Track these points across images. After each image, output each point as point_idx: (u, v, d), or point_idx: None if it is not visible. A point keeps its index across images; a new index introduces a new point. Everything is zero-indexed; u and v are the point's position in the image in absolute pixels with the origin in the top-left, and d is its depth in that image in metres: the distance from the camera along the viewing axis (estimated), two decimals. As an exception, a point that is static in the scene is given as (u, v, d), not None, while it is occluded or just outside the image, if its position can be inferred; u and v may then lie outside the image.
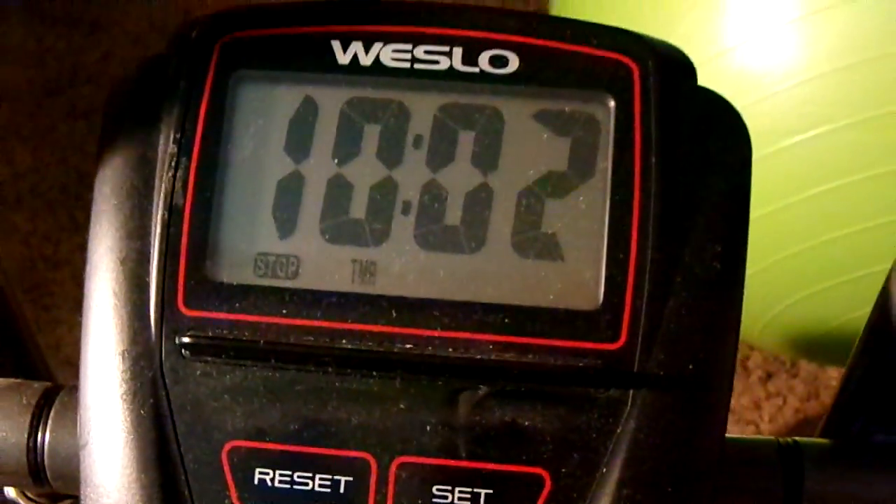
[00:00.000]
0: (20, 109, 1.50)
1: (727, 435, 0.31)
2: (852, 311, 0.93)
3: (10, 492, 0.43)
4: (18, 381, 0.35)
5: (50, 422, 0.34)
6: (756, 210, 0.85)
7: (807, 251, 0.92)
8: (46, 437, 0.34)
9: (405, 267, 0.28)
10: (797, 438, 0.33)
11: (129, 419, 0.28)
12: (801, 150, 0.86)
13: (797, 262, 0.93)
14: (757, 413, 1.27)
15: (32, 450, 0.34)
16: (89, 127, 1.48)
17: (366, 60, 0.29)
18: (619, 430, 0.27)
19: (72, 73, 1.55)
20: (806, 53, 0.85)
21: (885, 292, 0.33)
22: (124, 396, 0.28)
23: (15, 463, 0.34)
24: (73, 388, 0.35)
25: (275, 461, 0.28)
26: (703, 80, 0.30)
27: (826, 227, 0.90)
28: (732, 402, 0.31)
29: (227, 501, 0.28)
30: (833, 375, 1.25)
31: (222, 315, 0.28)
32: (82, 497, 0.29)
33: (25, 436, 0.34)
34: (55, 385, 0.35)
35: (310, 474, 0.27)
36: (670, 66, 0.29)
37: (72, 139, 1.47)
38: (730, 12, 0.87)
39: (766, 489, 0.31)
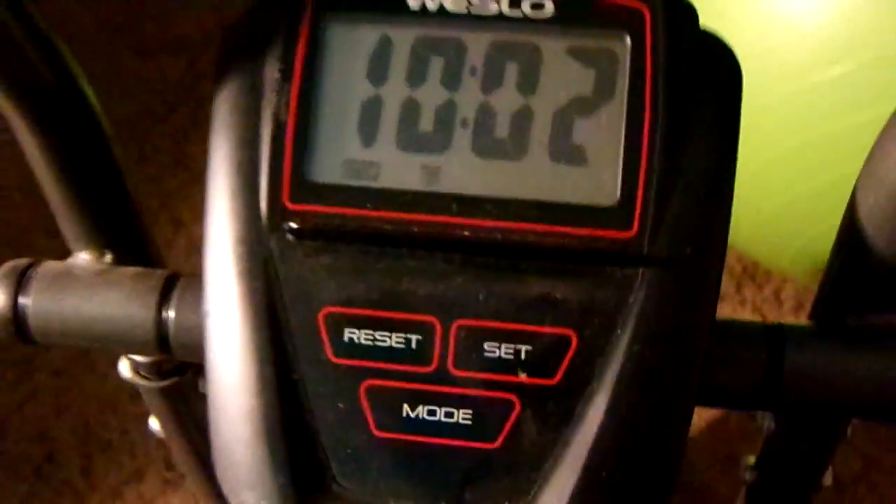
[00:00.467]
0: (87, 48, 1.57)
1: (723, 318, 0.38)
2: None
3: (125, 370, 0.51)
4: (145, 269, 0.43)
5: (174, 300, 0.41)
6: (786, 142, 0.91)
7: (834, 182, 0.98)
8: (171, 312, 0.41)
9: (463, 170, 0.35)
10: (782, 322, 0.40)
11: (245, 291, 0.36)
12: (836, 83, 0.92)
13: (825, 193, 0.99)
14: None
15: (159, 323, 0.41)
16: (156, 64, 1.55)
17: (432, 6, 0.36)
18: (631, 300, 0.35)
19: (137, 12, 1.63)
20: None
21: (855, 191, 0.39)
22: (242, 273, 0.36)
23: (144, 335, 0.42)
24: (191, 276, 0.43)
25: (360, 322, 0.35)
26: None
27: (854, 160, 0.96)
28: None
29: (322, 355, 0.35)
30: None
31: (319, 208, 0.35)
32: (206, 358, 0.37)
33: (154, 312, 0.41)
34: (176, 272, 0.43)
35: (388, 333, 0.35)
36: (676, 10, 0.36)
37: (140, 76, 1.54)
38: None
39: (751, 360, 0.39)
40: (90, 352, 1.25)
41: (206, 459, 0.49)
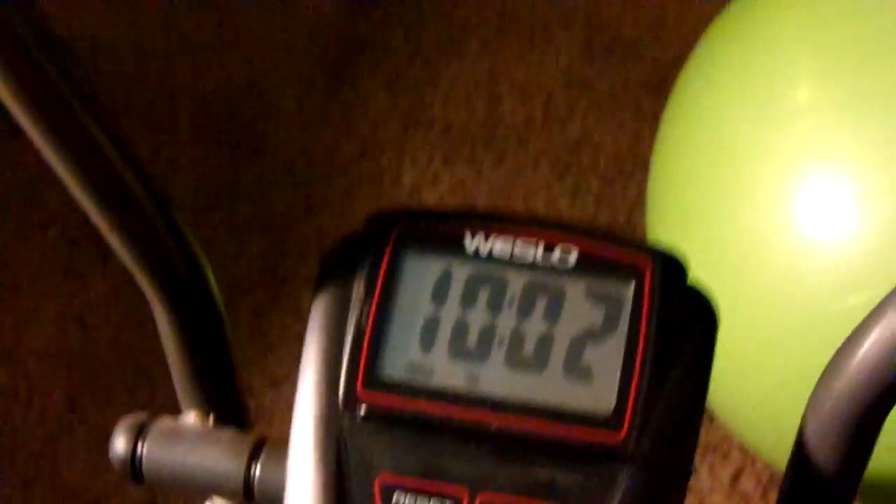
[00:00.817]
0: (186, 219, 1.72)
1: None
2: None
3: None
4: (240, 431, 0.54)
5: (261, 458, 0.52)
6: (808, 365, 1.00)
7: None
8: (258, 469, 0.52)
9: (496, 377, 0.46)
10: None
11: (320, 456, 0.46)
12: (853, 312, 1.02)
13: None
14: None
15: (247, 477, 0.52)
16: (244, 240, 1.69)
17: (483, 250, 0.48)
18: (617, 488, 0.45)
19: (233, 188, 1.78)
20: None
21: (805, 412, 0.49)
22: (318, 442, 0.47)
23: (234, 485, 0.52)
24: (276, 440, 0.53)
25: (407, 488, 0.45)
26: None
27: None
28: None
29: None
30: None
31: (384, 397, 0.46)
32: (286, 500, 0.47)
33: (244, 468, 0.52)
34: (264, 436, 0.54)
35: (427, 498, 0.45)
36: (670, 267, 0.47)
37: (226, 251, 1.68)
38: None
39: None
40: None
41: None
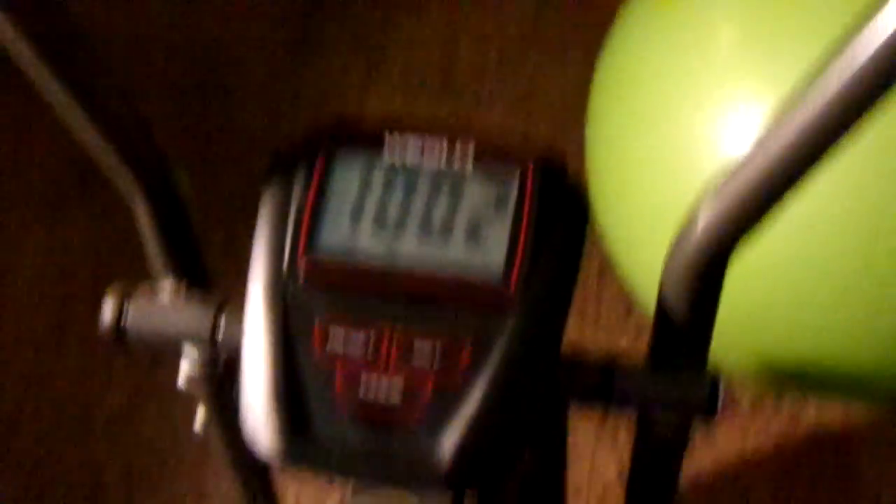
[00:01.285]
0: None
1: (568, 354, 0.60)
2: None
3: (184, 366, 0.72)
4: (207, 292, 0.66)
5: (224, 313, 0.64)
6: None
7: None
8: (222, 321, 0.64)
9: (411, 247, 0.58)
10: (617, 361, 0.61)
11: (269, 309, 0.58)
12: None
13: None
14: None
15: (213, 327, 0.64)
16: (215, 175, 1.80)
17: (401, 147, 0.59)
18: (504, 331, 0.56)
19: (203, 132, 1.88)
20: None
21: (666, 257, 0.60)
22: (268, 298, 0.58)
23: (204, 334, 0.64)
24: (235, 301, 0.65)
25: (340, 325, 0.57)
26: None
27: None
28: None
29: (313, 347, 0.57)
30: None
31: (320, 261, 0.58)
32: (242, 351, 0.59)
33: (211, 321, 0.64)
34: (226, 297, 0.65)
35: (355, 331, 0.57)
36: (551, 163, 0.59)
37: (200, 183, 1.78)
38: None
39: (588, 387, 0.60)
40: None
41: (236, 440, 0.71)
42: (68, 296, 1.68)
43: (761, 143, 0.51)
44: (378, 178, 0.60)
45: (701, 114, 1.19)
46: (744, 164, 0.52)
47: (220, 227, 1.69)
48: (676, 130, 1.22)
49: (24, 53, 0.55)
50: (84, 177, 1.74)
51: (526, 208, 0.58)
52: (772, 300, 1.16)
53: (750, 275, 1.17)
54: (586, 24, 1.94)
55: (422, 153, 0.59)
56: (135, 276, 0.69)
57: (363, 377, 0.57)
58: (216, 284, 0.73)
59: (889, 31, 0.42)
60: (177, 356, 0.70)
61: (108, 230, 1.70)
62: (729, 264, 0.57)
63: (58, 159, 1.79)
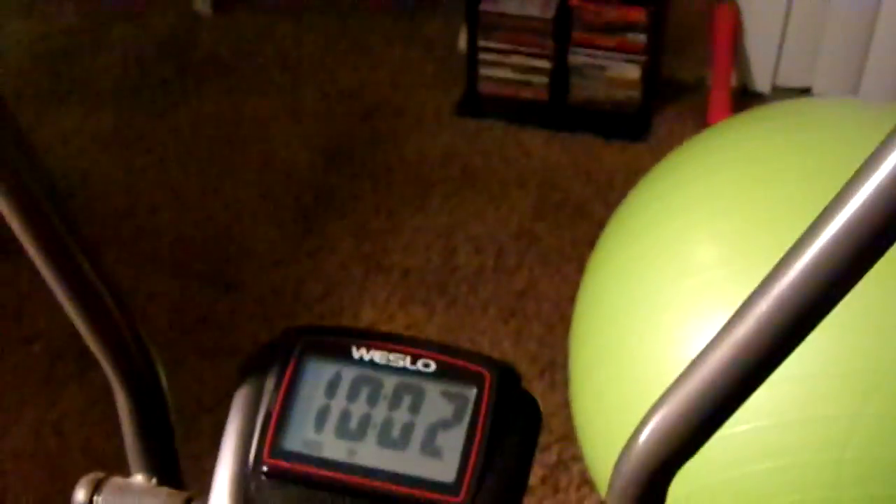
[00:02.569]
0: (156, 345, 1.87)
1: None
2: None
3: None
4: (176, 490, 0.69)
5: (188, 515, 0.67)
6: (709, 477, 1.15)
7: None
8: None
9: (370, 453, 0.61)
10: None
11: (232, 507, 0.61)
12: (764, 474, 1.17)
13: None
14: None
15: None
16: (212, 365, 1.84)
17: (366, 358, 0.64)
18: None
19: (204, 321, 1.94)
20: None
21: None
22: (232, 496, 0.61)
23: None
24: (202, 498, 0.68)
25: None
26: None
27: (756, 498, 1.19)
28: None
29: None
30: None
31: (284, 463, 0.61)
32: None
33: None
34: (193, 495, 0.68)
35: None
36: (505, 376, 0.63)
37: (194, 373, 1.83)
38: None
39: None
40: None
41: None
42: (57, 475, 1.70)
43: (696, 366, 0.54)
44: (343, 386, 0.63)
45: (675, 329, 1.24)
46: (678, 386, 0.55)
47: (212, 418, 1.73)
48: (650, 350, 1.27)
49: (11, 218, 0.60)
50: (84, 352, 1.78)
51: (480, 421, 0.62)
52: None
53: (717, 499, 1.20)
54: (582, 236, 2.01)
55: (386, 365, 0.64)
56: (123, 464, 0.73)
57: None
58: (199, 478, 0.76)
59: (815, 258, 0.47)
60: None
61: (103, 406, 1.73)
62: (671, 484, 0.60)
63: (59, 333, 1.83)
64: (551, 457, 1.66)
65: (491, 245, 2.04)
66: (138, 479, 0.71)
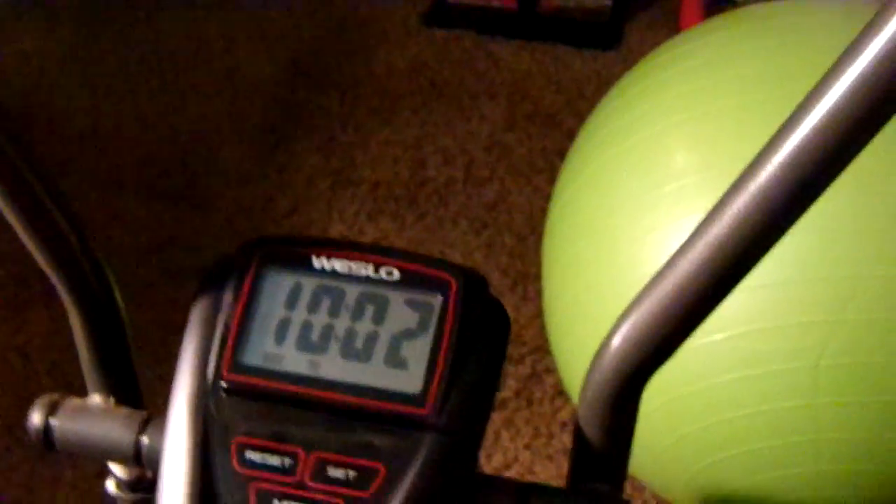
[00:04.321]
0: (124, 268, 1.85)
1: (485, 474, 0.61)
2: (758, 474, 1.20)
3: (110, 486, 0.73)
4: (134, 409, 0.67)
5: (148, 431, 0.65)
6: (676, 390, 1.15)
7: (715, 424, 1.20)
8: (145, 439, 0.64)
9: (333, 365, 0.59)
10: (535, 483, 0.62)
11: (190, 424, 0.59)
12: (717, 345, 1.16)
13: (706, 434, 1.21)
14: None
15: (137, 445, 0.64)
16: (179, 286, 1.81)
17: (327, 268, 0.61)
18: (422, 450, 0.57)
19: (171, 240, 1.90)
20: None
21: (582, 386, 0.61)
22: (190, 413, 0.59)
23: (128, 452, 0.65)
24: (160, 417, 0.65)
25: (256, 448, 0.58)
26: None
27: (730, 408, 1.19)
28: None
29: (230, 467, 0.58)
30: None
31: (243, 378, 0.59)
32: (161, 468, 0.59)
33: (135, 439, 0.65)
34: (151, 413, 0.66)
35: (271, 455, 0.58)
36: (472, 281, 0.60)
37: (163, 294, 1.80)
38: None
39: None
40: None
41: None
42: (24, 399, 1.67)
43: (667, 269, 0.52)
44: (304, 298, 0.61)
45: (652, 236, 1.22)
46: (650, 290, 0.53)
47: (180, 337, 1.70)
48: (625, 252, 1.24)
49: None
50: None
51: (446, 330, 0.59)
52: (714, 435, 1.18)
53: (693, 408, 1.19)
54: (553, 146, 1.98)
55: (348, 275, 0.61)
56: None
57: (277, 496, 0.57)
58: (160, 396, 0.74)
59: (788, 157, 0.45)
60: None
61: (68, 329, 1.70)
62: (643, 390, 0.58)
63: (22, 259, 1.79)
64: (525, 369, 1.65)
65: (461, 157, 2.01)
66: (95, 399, 0.69)
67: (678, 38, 1.49)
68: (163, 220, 1.93)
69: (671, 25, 2.33)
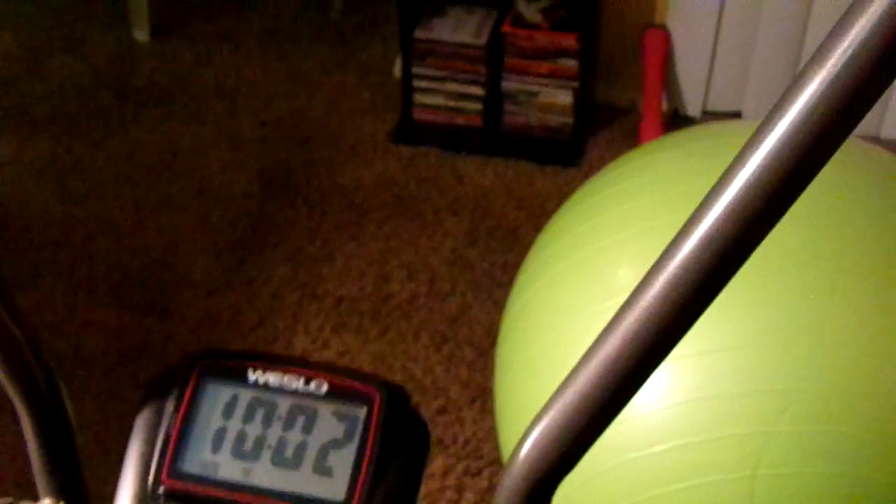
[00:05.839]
0: (93, 376, 1.88)
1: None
2: None
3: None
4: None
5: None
6: (624, 499, 1.17)
7: None
8: None
9: (264, 472, 0.63)
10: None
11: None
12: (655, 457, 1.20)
13: None
14: None
15: None
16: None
17: (261, 381, 0.66)
18: None
19: (140, 349, 1.94)
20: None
21: None
22: (132, 519, 0.63)
23: None
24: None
25: None
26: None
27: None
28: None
29: None
30: None
31: (180, 484, 0.63)
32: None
33: None
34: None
35: None
36: (394, 394, 0.65)
37: (132, 403, 1.83)
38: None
39: None
40: None
41: None
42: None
43: (569, 378, 0.56)
44: (240, 408, 0.65)
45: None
46: (555, 399, 0.58)
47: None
48: (572, 362, 1.29)
49: None
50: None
51: (370, 440, 0.64)
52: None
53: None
54: (514, 261, 2.04)
55: (280, 387, 0.66)
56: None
57: None
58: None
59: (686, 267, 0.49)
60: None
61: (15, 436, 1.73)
62: (553, 497, 0.62)
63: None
64: (482, 482, 1.68)
65: (424, 271, 2.07)
66: (46, 502, 0.73)
67: (630, 155, 1.56)
68: (132, 330, 1.97)
69: (631, 142, 2.41)
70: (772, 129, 0.46)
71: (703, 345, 1.16)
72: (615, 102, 2.55)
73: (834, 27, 0.45)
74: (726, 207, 0.48)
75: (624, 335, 0.53)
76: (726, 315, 1.16)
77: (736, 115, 2.51)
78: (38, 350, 0.70)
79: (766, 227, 0.48)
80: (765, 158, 0.47)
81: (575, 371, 0.57)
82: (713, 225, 0.48)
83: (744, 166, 0.48)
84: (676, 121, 2.50)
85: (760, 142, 0.47)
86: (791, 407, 1.18)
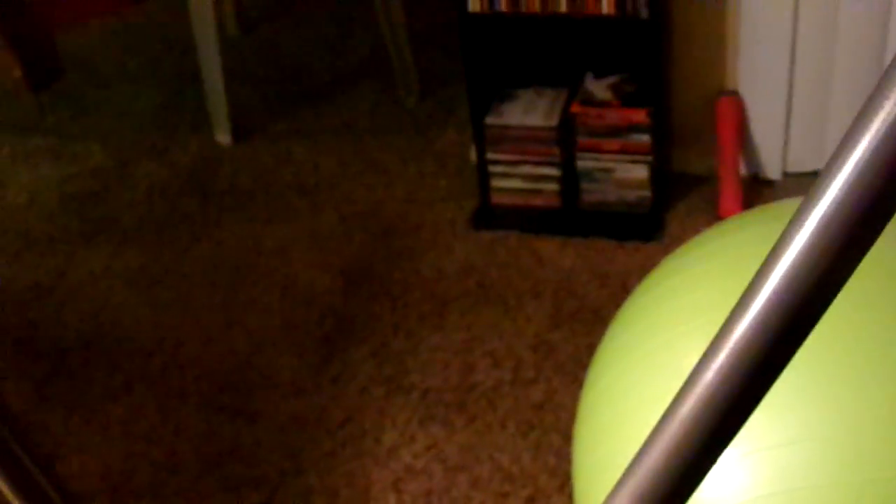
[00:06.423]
0: (185, 480, 1.91)
1: None
2: None
3: None
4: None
5: None
6: None
7: None
8: None
9: None
10: None
11: None
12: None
13: None
14: None
15: None
16: (237, 499, 1.87)
17: None
18: None
19: (230, 453, 1.97)
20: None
21: None
22: None
23: None
24: None
25: None
26: None
27: None
28: None
29: None
30: None
31: None
32: None
33: None
34: None
35: None
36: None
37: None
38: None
39: None
40: None
41: None
42: None
43: (633, 469, 0.56)
44: None
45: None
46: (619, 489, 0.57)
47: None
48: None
49: None
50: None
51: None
52: None
53: None
54: (598, 342, 2.02)
55: None
56: None
57: None
58: None
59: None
60: None
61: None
62: None
63: None
64: (575, 571, 1.66)
65: (508, 358, 2.06)
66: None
67: (706, 235, 1.54)
68: (222, 433, 2.00)
69: (711, 210, 2.39)
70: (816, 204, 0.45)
71: (778, 437, 1.13)
72: (693, 171, 2.54)
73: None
74: (772, 292, 0.47)
75: (683, 421, 0.52)
76: (800, 407, 1.13)
77: (817, 173, 2.47)
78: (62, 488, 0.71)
79: (817, 310, 0.47)
80: (812, 238, 0.46)
81: (636, 460, 0.56)
82: (757, 317, 0.48)
83: (794, 246, 0.47)
84: (756, 185, 2.47)
85: (801, 225, 0.46)
86: (866, 499, 1.15)
